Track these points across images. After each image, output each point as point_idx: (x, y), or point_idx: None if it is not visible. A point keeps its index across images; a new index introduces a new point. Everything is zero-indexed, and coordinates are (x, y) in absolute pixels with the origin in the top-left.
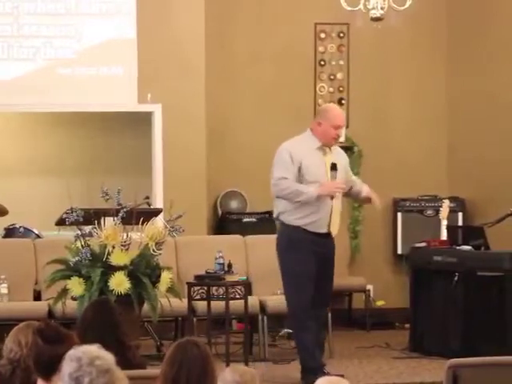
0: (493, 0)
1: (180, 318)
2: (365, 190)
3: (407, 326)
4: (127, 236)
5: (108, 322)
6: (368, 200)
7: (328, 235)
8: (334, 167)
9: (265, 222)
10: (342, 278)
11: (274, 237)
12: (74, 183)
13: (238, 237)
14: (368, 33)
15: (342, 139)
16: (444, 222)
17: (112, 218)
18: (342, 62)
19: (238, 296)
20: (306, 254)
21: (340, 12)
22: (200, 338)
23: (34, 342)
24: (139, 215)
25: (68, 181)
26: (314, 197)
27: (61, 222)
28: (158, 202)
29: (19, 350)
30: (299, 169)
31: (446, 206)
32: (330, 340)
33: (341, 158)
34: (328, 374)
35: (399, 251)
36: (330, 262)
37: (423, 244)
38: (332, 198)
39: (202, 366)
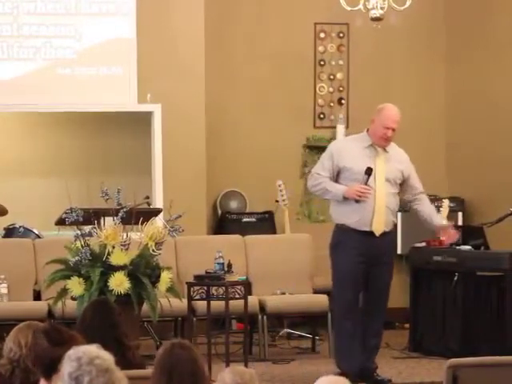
0: (492, 0)
1: (180, 318)
2: (440, 224)
3: (407, 325)
4: (127, 236)
5: (107, 322)
6: (438, 233)
7: (375, 234)
8: (367, 171)
9: (264, 222)
10: None
11: (273, 236)
12: (73, 183)
13: (237, 237)
14: (368, 33)
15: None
16: (444, 222)
17: (112, 218)
18: (341, 62)
19: (237, 296)
20: (349, 253)
21: (340, 12)
22: (199, 338)
23: (36, 342)
24: (139, 215)
25: (68, 180)
26: (339, 197)
27: (60, 222)
28: (157, 202)
29: (19, 350)
30: (340, 168)
31: (445, 205)
32: (330, 340)
33: (396, 161)
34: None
35: (399, 251)
36: (380, 265)
37: (423, 244)
38: (357, 201)
39: (192, 368)
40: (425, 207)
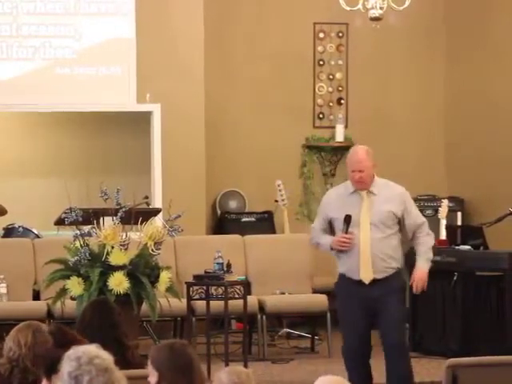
0: (492, 0)
1: (179, 318)
2: (416, 274)
3: (406, 325)
4: (126, 236)
5: (107, 322)
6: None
7: (366, 283)
8: (345, 219)
9: (263, 222)
10: None
11: (273, 236)
12: (72, 183)
13: (236, 236)
14: (367, 32)
15: (340, 139)
16: (443, 222)
17: (111, 218)
18: (340, 62)
19: (236, 296)
20: (346, 301)
21: (339, 12)
22: (198, 338)
23: (37, 342)
24: (138, 215)
25: (67, 180)
26: (328, 249)
27: (60, 222)
28: (156, 202)
29: (18, 350)
30: (329, 218)
31: (444, 205)
32: (330, 340)
33: (385, 201)
34: None
35: None
36: (381, 305)
37: None
38: (340, 251)
39: (185, 367)
40: (417, 246)
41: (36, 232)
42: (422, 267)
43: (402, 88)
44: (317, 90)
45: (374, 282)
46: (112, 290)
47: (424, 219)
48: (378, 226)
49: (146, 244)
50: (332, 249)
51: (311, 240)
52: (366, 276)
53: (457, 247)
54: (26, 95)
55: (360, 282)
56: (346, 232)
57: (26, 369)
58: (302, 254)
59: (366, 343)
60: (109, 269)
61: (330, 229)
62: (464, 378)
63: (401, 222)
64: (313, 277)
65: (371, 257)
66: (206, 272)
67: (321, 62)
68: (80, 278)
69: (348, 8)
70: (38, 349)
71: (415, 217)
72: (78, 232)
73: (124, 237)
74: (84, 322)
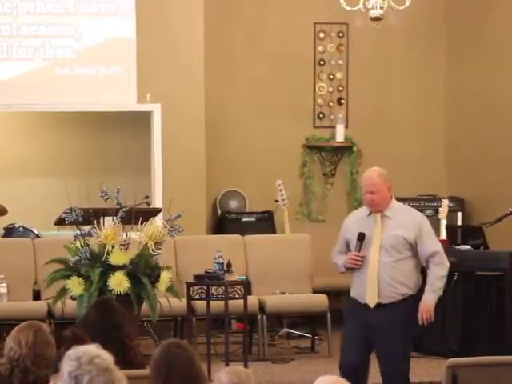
0: (492, 0)
1: (179, 318)
2: (421, 306)
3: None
4: (126, 236)
5: (110, 322)
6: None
7: (373, 307)
8: (358, 237)
9: (264, 222)
10: (341, 276)
11: (273, 236)
12: (73, 183)
13: (237, 236)
14: (367, 32)
15: (340, 139)
16: (443, 222)
17: (111, 218)
18: (341, 62)
19: (237, 296)
20: (350, 323)
21: (339, 12)
22: (199, 338)
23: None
24: (138, 215)
25: (67, 180)
26: (343, 268)
27: (60, 222)
28: (157, 202)
29: (19, 350)
30: (346, 240)
31: (445, 205)
32: (330, 340)
33: (398, 226)
34: None
35: None
36: (381, 335)
37: None
38: (352, 269)
39: (186, 367)
40: (427, 276)
41: (36, 232)
42: (428, 299)
43: (402, 88)
44: (317, 89)
45: (380, 306)
46: (112, 289)
47: (437, 249)
48: (388, 249)
49: (147, 244)
50: (346, 268)
51: (333, 262)
52: (371, 300)
53: (457, 247)
54: (26, 95)
55: (366, 306)
56: (359, 250)
57: (26, 369)
58: (302, 254)
59: (362, 364)
60: (109, 269)
61: (348, 250)
62: (464, 377)
63: (414, 247)
64: (313, 277)
65: (378, 280)
66: (206, 272)
67: (321, 62)
68: (80, 278)
69: (348, 8)
70: (38, 349)
71: (428, 245)
72: (78, 232)
73: (124, 237)
74: (87, 322)
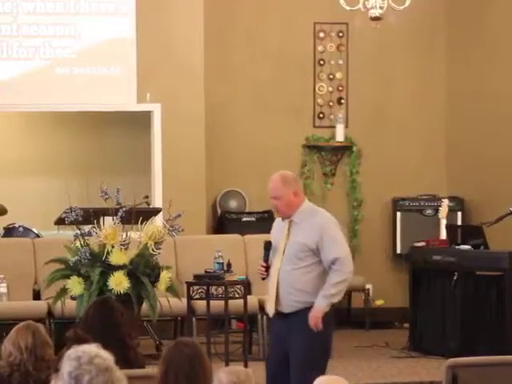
0: (492, 0)
1: (179, 318)
2: (310, 313)
3: (406, 325)
4: (126, 235)
5: (109, 322)
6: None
7: (273, 316)
8: (264, 246)
9: (264, 222)
10: None
11: None
12: (73, 182)
13: (237, 236)
14: (367, 32)
15: (340, 139)
16: (443, 222)
17: (111, 218)
18: (341, 62)
19: (237, 295)
20: (272, 334)
21: (339, 11)
22: (199, 338)
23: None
24: (138, 215)
25: (67, 180)
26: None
27: (60, 222)
28: (157, 202)
29: (19, 355)
30: None
31: (445, 205)
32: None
33: (302, 233)
34: None
35: (398, 250)
36: (290, 342)
37: (422, 243)
38: (262, 279)
39: (191, 365)
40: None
41: (36, 232)
42: (317, 305)
43: (402, 88)
44: (317, 89)
45: (282, 316)
46: (112, 289)
47: (338, 255)
48: (289, 257)
49: (147, 244)
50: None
51: None
52: (269, 309)
53: (457, 247)
54: (26, 95)
55: (274, 315)
56: (267, 259)
57: (27, 372)
58: None
59: (281, 372)
60: (109, 268)
61: None
62: (464, 377)
63: (318, 255)
64: None
65: (278, 289)
66: (206, 272)
67: (321, 62)
68: (80, 278)
69: (348, 8)
70: (38, 351)
71: (328, 252)
72: (78, 232)
73: (124, 236)
74: (87, 321)
